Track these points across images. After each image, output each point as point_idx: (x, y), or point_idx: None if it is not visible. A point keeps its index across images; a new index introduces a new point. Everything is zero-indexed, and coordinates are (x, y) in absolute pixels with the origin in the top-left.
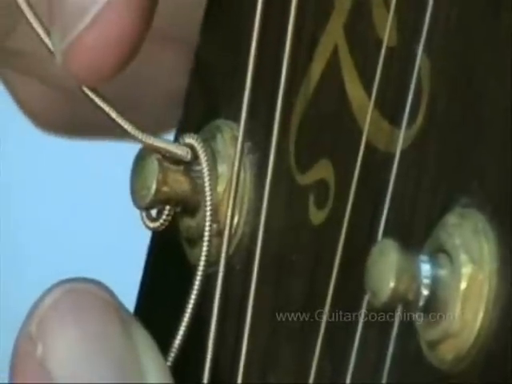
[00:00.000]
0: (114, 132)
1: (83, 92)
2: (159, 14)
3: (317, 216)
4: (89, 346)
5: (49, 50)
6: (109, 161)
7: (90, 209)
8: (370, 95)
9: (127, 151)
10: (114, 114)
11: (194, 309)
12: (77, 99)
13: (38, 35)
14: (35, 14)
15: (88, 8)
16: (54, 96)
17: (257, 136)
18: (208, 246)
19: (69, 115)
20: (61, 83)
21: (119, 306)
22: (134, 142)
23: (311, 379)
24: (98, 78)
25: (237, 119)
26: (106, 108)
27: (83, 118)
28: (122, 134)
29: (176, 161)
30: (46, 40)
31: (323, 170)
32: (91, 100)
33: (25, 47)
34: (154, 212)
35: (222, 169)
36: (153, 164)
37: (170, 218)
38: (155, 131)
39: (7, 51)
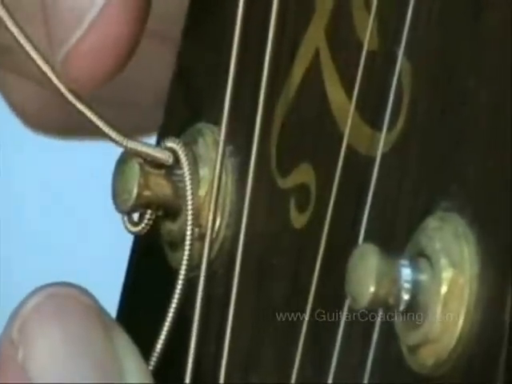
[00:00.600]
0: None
1: (63, 95)
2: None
3: (298, 220)
4: (70, 350)
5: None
6: (90, 165)
7: (72, 213)
8: (350, 98)
9: (109, 154)
10: (94, 118)
11: (176, 312)
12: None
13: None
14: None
15: (83, 15)
16: (46, 96)
17: (238, 139)
18: (190, 249)
19: (61, 115)
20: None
21: (101, 311)
22: (115, 145)
23: (293, 380)
24: (98, 82)
25: (218, 123)
26: (87, 111)
27: (75, 118)
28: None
29: (157, 165)
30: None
31: (304, 174)
32: (72, 103)
33: (14, 44)
34: (135, 216)
35: (204, 172)
36: (134, 168)
37: (151, 221)
38: (150, 130)
39: None
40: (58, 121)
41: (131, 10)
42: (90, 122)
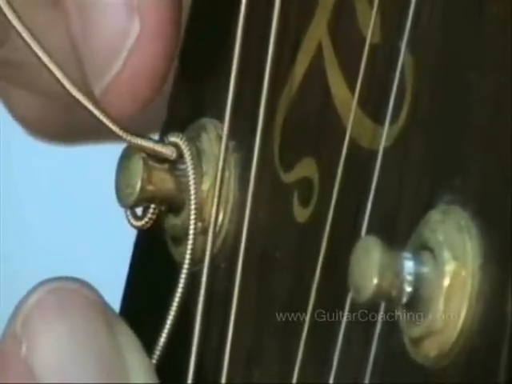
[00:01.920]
0: (106, 135)
1: (68, 93)
2: None
3: (301, 214)
4: (73, 345)
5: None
6: (94, 160)
7: (75, 208)
8: (353, 93)
9: (112, 149)
10: (98, 113)
11: (178, 307)
12: (70, 107)
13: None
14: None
15: (119, 47)
16: (47, 105)
17: (241, 135)
18: (193, 244)
19: (63, 123)
20: (53, 92)
21: (104, 305)
22: (119, 141)
23: (295, 375)
24: (140, 107)
25: (221, 118)
26: (91, 107)
27: (77, 124)
28: (113, 136)
29: (161, 159)
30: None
31: (307, 168)
32: (76, 100)
33: (16, 57)
34: (138, 211)
35: (207, 167)
36: (138, 163)
37: (154, 216)
38: (153, 127)
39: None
40: (59, 128)
41: (165, 35)
42: (94, 118)
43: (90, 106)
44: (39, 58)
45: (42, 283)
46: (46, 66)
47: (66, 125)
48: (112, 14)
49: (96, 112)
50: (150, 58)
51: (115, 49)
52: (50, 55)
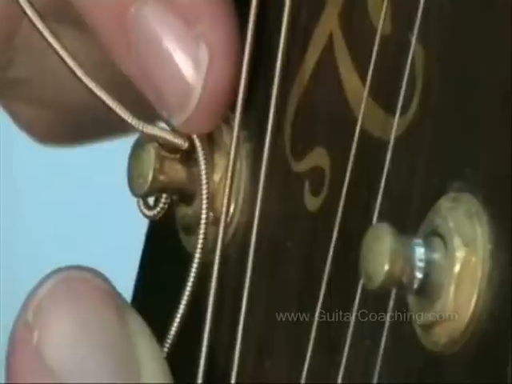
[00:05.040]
0: (114, 133)
1: (81, 81)
2: None
3: (312, 203)
4: (84, 333)
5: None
6: (106, 150)
7: (87, 198)
8: (364, 83)
9: (124, 140)
10: (111, 103)
11: (190, 297)
12: (76, 114)
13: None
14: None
15: (195, 83)
16: (52, 116)
17: (253, 125)
18: (204, 234)
19: (68, 129)
20: (58, 103)
21: (115, 294)
22: (131, 131)
23: (306, 364)
24: (218, 123)
25: (233, 108)
26: (105, 98)
27: (82, 128)
28: (122, 131)
29: (173, 149)
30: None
31: (318, 158)
32: (90, 90)
33: (21, 75)
34: (150, 200)
35: (219, 158)
36: (150, 152)
37: (166, 206)
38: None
39: (4, 81)
40: (65, 135)
41: (231, 54)
42: (108, 107)
43: (104, 98)
44: (50, 45)
45: (54, 272)
46: (60, 56)
47: (71, 131)
48: (179, 55)
49: (110, 103)
50: (223, 81)
51: (191, 82)
52: (63, 45)
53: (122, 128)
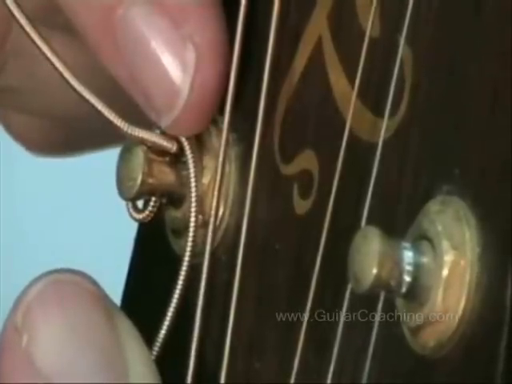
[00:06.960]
0: (106, 143)
1: (69, 84)
2: None
3: (301, 206)
4: (73, 336)
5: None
6: (94, 154)
7: (76, 201)
8: (353, 85)
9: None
10: (99, 106)
11: (179, 299)
12: (68, 124)
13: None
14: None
15: (183, 83)
16: (44, 125)
17: (241, 128)
18: (193, 237)
19: (61, 139)
20: (49, 112)
21: (104, 297)
22: (117, 146)
23: (295, 365)
24: (206, 124)
25: (222, 111)
26: (93, 101)
27: (76, 139)
28: (115, 142)
29: (162, 152)
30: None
31: (307, 161)
32: (80, 94)
33: (12, 83)
34: (140, 203)
35: (207, 160)
36: (139, 155)
37: (155, 209)
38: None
39: None
40: (58, 145)
41: (219, 55)
42: (96, 111)
43: (93, 100)
44: (39, 48)
45: (43, 275)
46: (48, 59)
47: (63, 140)
48: (166, 55)
49: (99, 106)
50: (211, 81)
51: (178, 84)
52: (51, 48)
53: (115, 138)
